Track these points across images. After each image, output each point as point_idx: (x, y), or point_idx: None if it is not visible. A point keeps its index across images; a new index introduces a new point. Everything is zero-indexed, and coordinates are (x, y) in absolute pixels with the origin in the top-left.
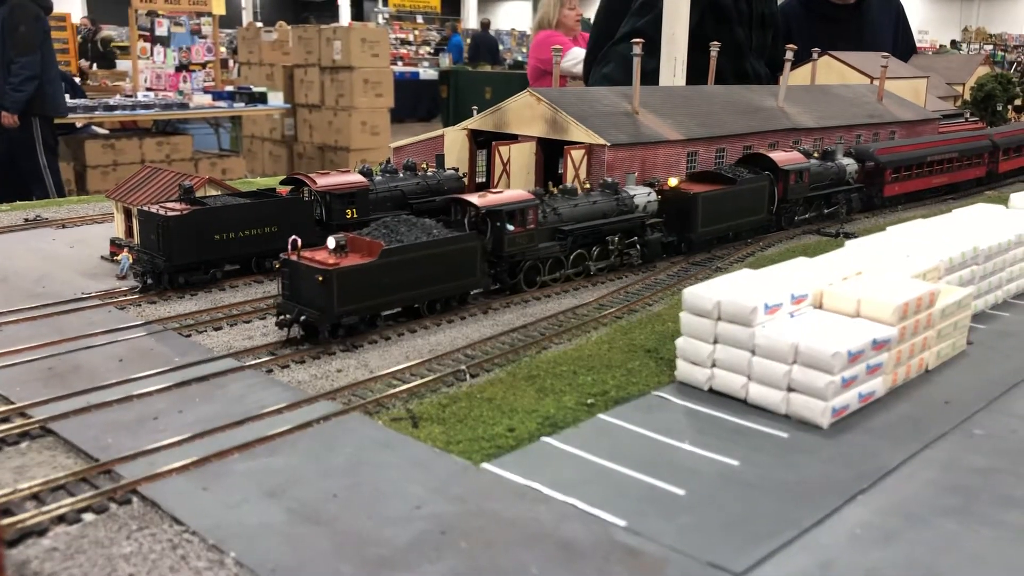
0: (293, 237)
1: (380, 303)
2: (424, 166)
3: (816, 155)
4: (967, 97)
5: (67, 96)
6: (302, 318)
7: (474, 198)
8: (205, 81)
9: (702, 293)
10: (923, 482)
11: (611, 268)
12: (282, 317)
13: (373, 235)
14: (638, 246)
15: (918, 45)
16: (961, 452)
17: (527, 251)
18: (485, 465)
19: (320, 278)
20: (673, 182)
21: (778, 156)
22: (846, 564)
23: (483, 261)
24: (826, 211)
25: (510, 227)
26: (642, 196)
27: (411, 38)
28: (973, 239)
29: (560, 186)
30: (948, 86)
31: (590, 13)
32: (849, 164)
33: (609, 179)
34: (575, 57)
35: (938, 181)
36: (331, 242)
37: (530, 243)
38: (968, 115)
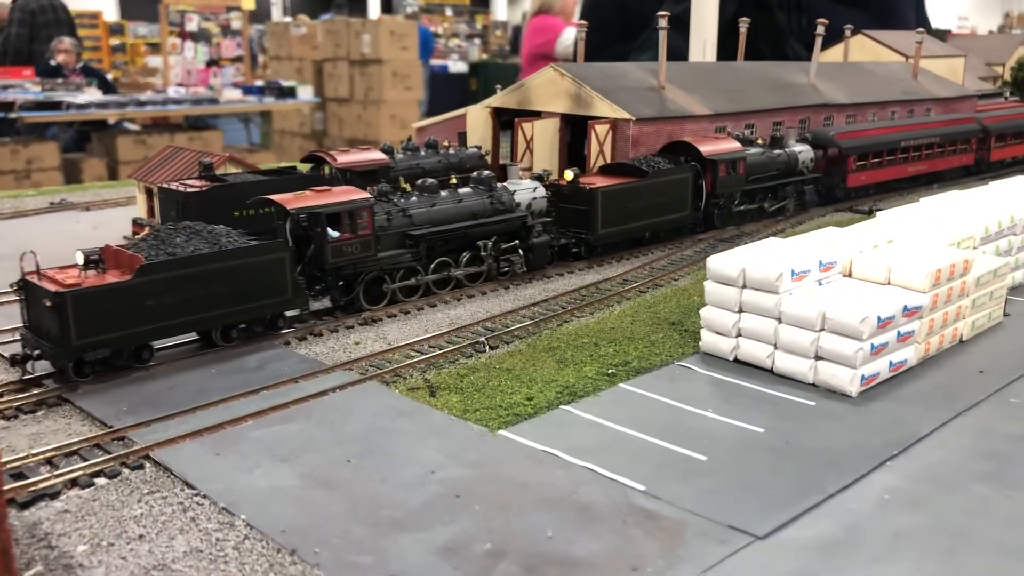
0: (77, 251)
1: (142, 332)
2: (446, 144)
3: (761, 141)
4: (1007, 77)
5: (99, 92)
6: (36, 353)
7: (286, 198)
8: (235, 76)
9: (727, 260)
10: (955, 448)
11: (487, 277)
12: (15, 354)
13: (138, 247)
14: (519, 251)
15: (957, 31)
16: (996, 420)
17: (361, 262)
18: (502, 432)
19: (48, 303)
20: (569, 175)
21: (705, 144)
22: (872, 528)
23: (297, 275)
24: (770, 207)
25: (334, 233)
26: (525, 192)
27: (440, 31)
28: (1010, 209)
29: (419, 181)
30: (988, 67)
31: None
32: (803, 152)
33: (485, 173)
34: (567, 40)
35: (915, 170)
36: (79, 257)
37: (364, 252)
38: (1008, 95)
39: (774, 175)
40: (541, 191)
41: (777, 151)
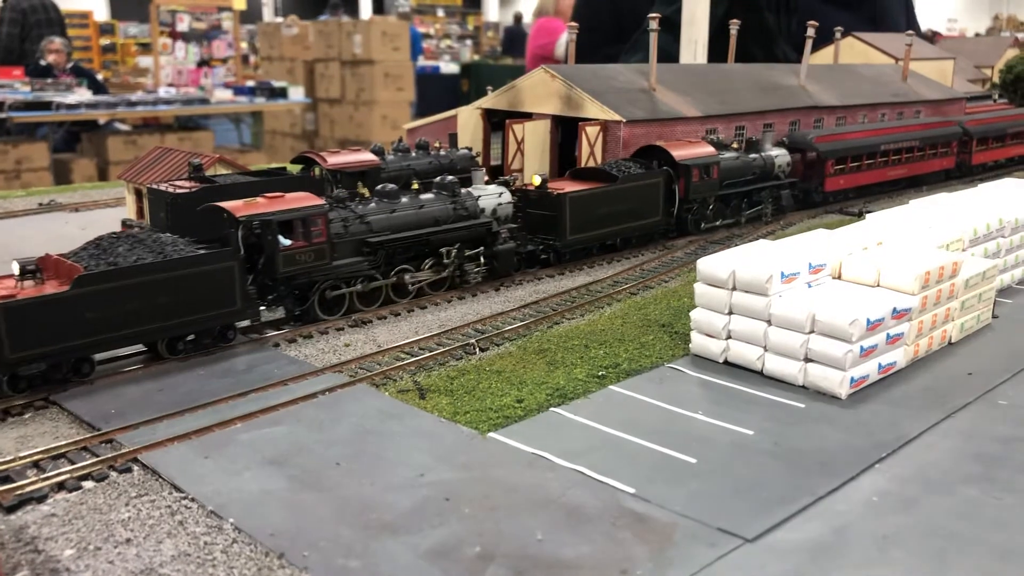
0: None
1: (81, 345)
2: (437, 145)
3: (736, 146)
4: (996, 80)
5: (89, 92)
6: None
7: (236, 206)
8: (226, 76)
9: (717, 262)
10: (944, 451)
11: (450, 285)
12: None
13: (78, 257)
14: (482, 259)
15: (947, 33)
16: (984, 422)
17: (315, 270)
18: (492, 434)
19: None
20: (537, 180)
21: (677, 148)
22: (861, 530)
23: (247, 285)
24: (745, 212)
25: (286, 241)
26: (490, 198)
27: (432, 32)
28: (999, 212)
29: (378, 187)
30: (976, 69)
31: None
32: (780, 156)
33: (448, 178)
34: (562, 42)
35: (895, 173)
36: (15, 267)
37: (319, 260)
38: (996, 97)
39: (749, 179)
40: (507, 196)
41: (753, 155)
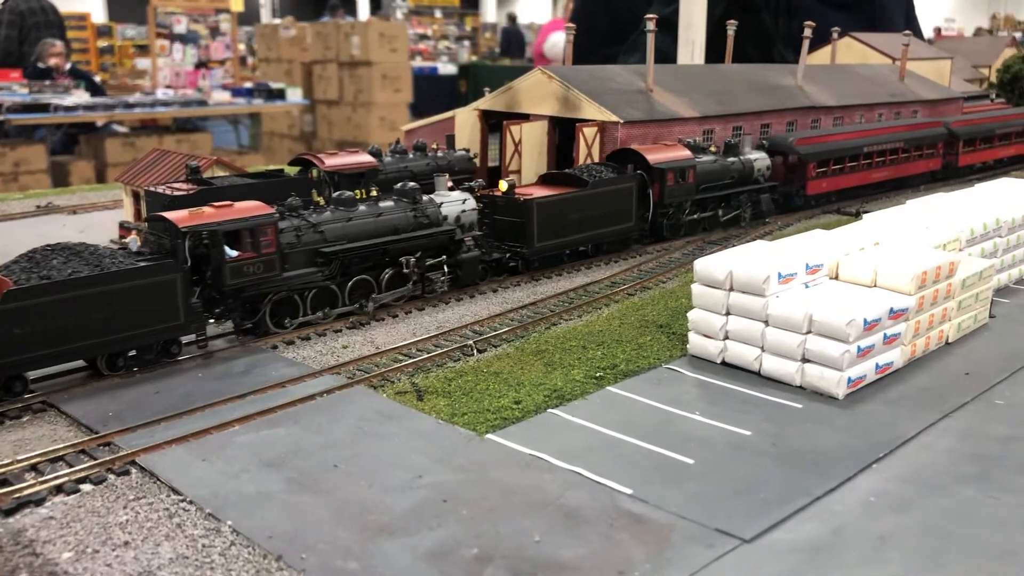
0: None
1: (11, 362)
2: (435, 146)
3: (714, 149)
4: (993, 79)
5: (87, 94)
6: None
7: (181, 216)
8: (224, 78)
9: (714, 263)
10: (941, 451)
11: (413, 296)
12: None
13: (9, 270)
14: (445, 267)
15: (944, 33)
16: (981, 421)
17: (265, 282)
18: (490, 436)
19: None
20: (504, 186)
21: (652, 152)
22: (858, 531)
23: (191, 298)
24: (723, 217)
25: (232, 252)
26: (453, 205)
27: (430, 33)
28: (995, 212)
29: (334, 195)
30: (974, 68)
31: None
32: (759, 159)
33: (409, 185)
34: (552, 41)
35: (879, 176)
36: None
37: (268, 271)
38: (994, 96)
39: (727, 183)
40: (471, 203)
41: (731, 159)
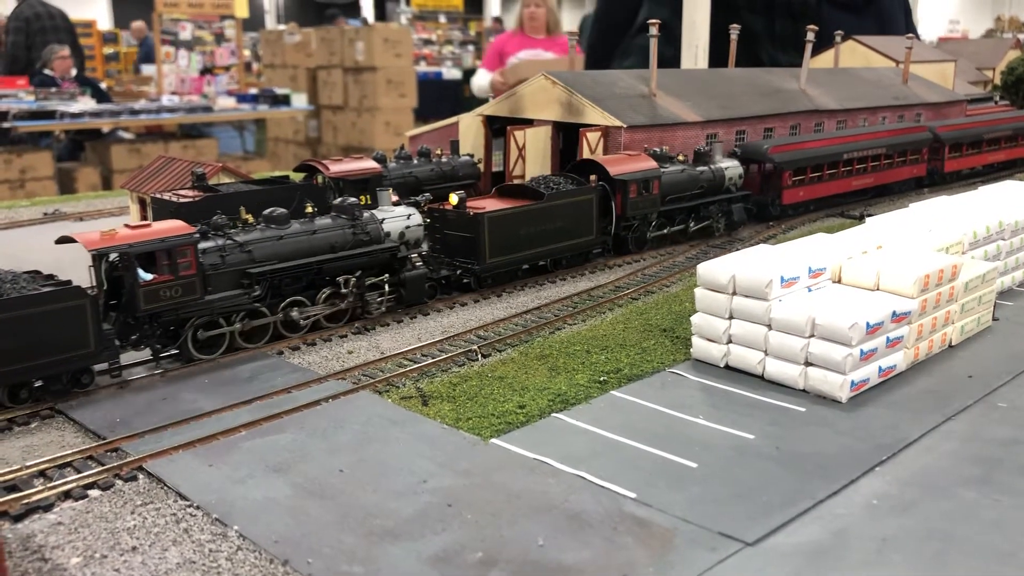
0: None
1: None
2: (439, 152)
3: (682, 158)
4: (997, 81)
5: (93, 101)
6: None
7: (90, 238)
8: (229, 84)
9: (717, 267)
10: (943, 453)
11: (351, 317)
12: None
13: None
14: (387, 287)
15: (949, 35)
16: (984, 424)
17: (184, 306)
18: (494, 440)
19: None
20: (454, 199)
21: (613, 163)
22: (861, 533)
23: (103, 324)
24: (692, 227)
25: (146, 275)
26: (396, 221)
27: (434, 38)
28: (999, 214)
29: (265, 211)
30: (978, 71)
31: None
32: (730, 167)
33: (350, 199)
34: (479, 79)
35: (860, 183)
36: None
37: (188, 295)
38: (998, 98)
39: (696, 194)
40: (416, 219)
41: (701, 168)
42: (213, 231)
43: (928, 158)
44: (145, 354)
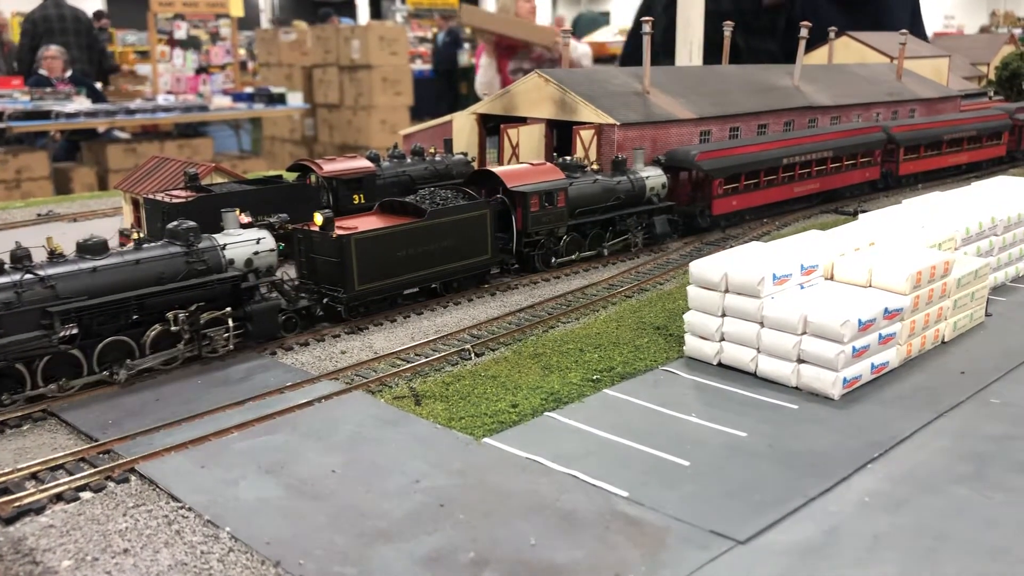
0: None
1: None
2: (432, 151)
3: (596, 167)
4: (992, 77)
5: (88, 101)
6: None
7: None
8: (224, 83)
9: (709, 265)
10: (936, 450)
11: (192, 357)
12: None
13: None
14: (231, 321)
15: (944, 30)
16: (976, 421)
17: None
18: (487, 440)
19: None
20: (319, 219)
21: (512, 175)
22: (853, 531)
23: None
24: (607, 244)
25: None
26: (242, 246)
27: (429, 35)
28: (991, 210)
29: (79, 240)
30: (972, 66)
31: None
32: (652, 177)
33: (186, 223)
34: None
35: (804, 189)
36: None
37: None
38: (992, 94)
39: (612, 206)
40: (268, 243)
41: (618, 178)
42: (11, 265)
43: (882, 160)
44: None
